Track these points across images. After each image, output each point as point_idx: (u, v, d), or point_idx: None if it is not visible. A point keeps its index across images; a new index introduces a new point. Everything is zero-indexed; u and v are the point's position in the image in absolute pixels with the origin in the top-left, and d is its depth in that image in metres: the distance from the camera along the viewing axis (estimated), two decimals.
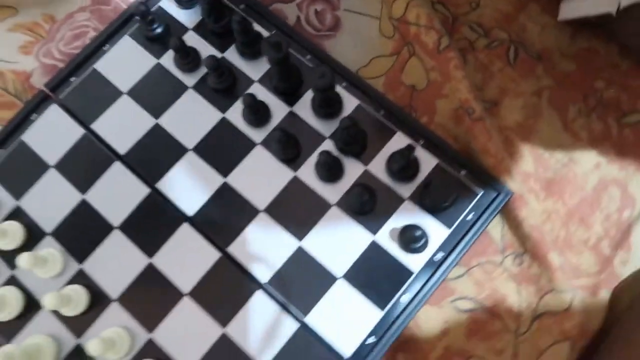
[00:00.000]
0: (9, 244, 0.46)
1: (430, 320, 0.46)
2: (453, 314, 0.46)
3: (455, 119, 0.50)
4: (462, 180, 0.46)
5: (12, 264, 0.46)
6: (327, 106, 0.48)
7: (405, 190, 0.46)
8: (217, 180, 0.48)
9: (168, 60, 0.52)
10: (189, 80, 0.51)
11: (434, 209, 0.46)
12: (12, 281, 0.46)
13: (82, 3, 0.56)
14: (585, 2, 0.48)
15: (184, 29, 0.52)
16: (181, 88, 0.51)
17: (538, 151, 0.49)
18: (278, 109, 0.49)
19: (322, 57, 0.50)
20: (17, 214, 0.48)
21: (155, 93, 0.51)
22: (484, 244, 0.47)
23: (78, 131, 0.50)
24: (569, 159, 0.49)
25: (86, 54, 0.52)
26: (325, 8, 0.55)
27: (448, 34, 0.51)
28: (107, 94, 0.51)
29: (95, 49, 0.52)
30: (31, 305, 0.45)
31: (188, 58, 0.50)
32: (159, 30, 0.52)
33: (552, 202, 0.48)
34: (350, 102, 0.49)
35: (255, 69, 0.51)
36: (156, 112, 0.50)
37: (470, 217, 0.46)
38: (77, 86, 0.52)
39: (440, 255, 0.45)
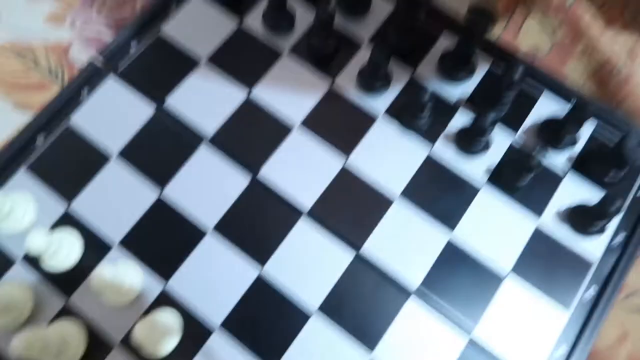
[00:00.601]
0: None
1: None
2: (629, 313, 0.39)
3: (597, 81, 0.43)
4: (621, 146, 0.39)
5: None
6: (460, 67, 0.40)
7: (561, 160, 0.39)
8: (336, 169, 0.38)
9: (254, 20, 0.42)
10: (284, 42, 0.41)
11: (601, 182, 0.38)
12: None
13: None
14: None
15: None
16: (275, 53, 0.41)
17: None
18: (398, 74, 0.41)
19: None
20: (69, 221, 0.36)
21: (243, 60, 0.41)
22: None
23: (146, 109, 0.39)
24: None
25: (148, 16, 0.42)
26: None
27: None
28: (180, 62, 0.41)
29: (160, 10, 0.42)
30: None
31: (284, 14, 0.41)
32: None
33: None
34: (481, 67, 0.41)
35: (362, 28, 0.42)
36: (247, 82, 0.40)
37: None
38: (140, 55, 0.41)
39: (621, 237, 0.37)
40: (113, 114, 0.39)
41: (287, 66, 0.41)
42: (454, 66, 0.40)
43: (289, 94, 0.40)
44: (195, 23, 0.42)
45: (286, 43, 0.41)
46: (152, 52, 0.41)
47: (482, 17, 0.36)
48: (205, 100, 0.39)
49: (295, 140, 0.39)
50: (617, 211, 0.34)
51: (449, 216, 0.37)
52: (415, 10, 0.39)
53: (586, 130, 0.40)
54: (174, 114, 0.39)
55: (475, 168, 0.38)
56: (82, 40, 0.44)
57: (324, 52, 0.41)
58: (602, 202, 0.35)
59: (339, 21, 0.42)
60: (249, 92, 0.40)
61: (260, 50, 0.41)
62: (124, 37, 0.41)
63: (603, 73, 0.43)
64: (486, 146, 0.38)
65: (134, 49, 0.41)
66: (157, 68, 0.40)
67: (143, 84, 0.40)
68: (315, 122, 0.39)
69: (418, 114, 0.38)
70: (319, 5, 0.38)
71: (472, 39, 0.37)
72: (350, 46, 0.41)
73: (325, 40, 0.40)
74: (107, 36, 0.44)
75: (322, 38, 0.40)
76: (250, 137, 0.39)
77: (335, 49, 0.41)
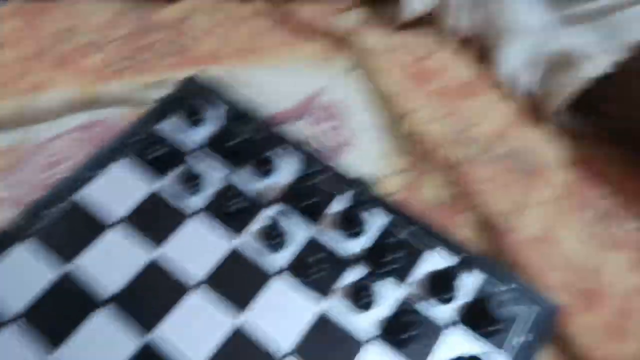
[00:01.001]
0: None
1: None
2: None
3: (485, 232, 0.48)
4: (510, 296, 0.43)
5: None
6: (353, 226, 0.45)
7: (445, 313, 0.42)
8: (228, 325, 0.41)
9: (165, 184, 0.47)
10: (194, 204, 0.46)
11: (486, 333, 0.41)
12: None
13: (58, 129, 0.51)
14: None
15: (188, 150, 0.48)
16: (182, 214, 0.45)
17: (568, 261, 0.48)
18: (297, 231, 0.45)
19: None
20: None
21: (153, 222, 0.45)
22: None
23: (51, 273, 0.42)
24: (599, 266, 0.48)
25: (67, 182, 0.46)
26: (333, 126, 0.54)
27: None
28: (92, 226, 0.44)
29: (79, 177, 0.47)
30: None
31: (195, 180, 0.46)
32: (160, 152, 0.47)
33: (592, 317, 0.45)
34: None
35: (265, 189, 0.47)
36: (154, 243, 0.44)
37: (523, 339, 0.41)
38: (54, 220, 0.44)
39: None
40: (16, 276, 0.41)
41: (194, 226, 0.45)
42: (348, 223, 0.44)
43: (193, 253, 0.43)
44: (111, 187, 0.46)
45: (198, 203, 0.46)
46: (64, 216, 0.44)
47: (364, 185, 0.40)
48: (110, 262, 0.43)
49: (193, 299, 0.41)
50: None
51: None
52: (314, 173, 0.44)
53: (473, 284, 0.43)
54: (79, 277, 0.42)
55: (364, 323, 0.41)
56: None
57: (230, 212, 0.45)
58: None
59: (246, 180, 0.46)
60: (154, 253, 0.43)
61: (171, 212, 0.45)
62: (36, 204, 0.45)
63: (489, 226, 0.47)
64: (375, 301, 0.41)
65: (46, 214, 0.44)
66: (66, 231, 0.44)
67: (51, 247, 0.43)
68: (216, 280, 0.42)
69: (314, 271, 0.42)
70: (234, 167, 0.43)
71: (362, 201, 0.42)
72: (253, 205, 0.46)
73: (232, 200, 0.45)
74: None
75: (229, 198, 0.45)
76: (150, 298, 0.41)
77: (241, 208, 0.45)
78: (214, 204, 0.46)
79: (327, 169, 0.48)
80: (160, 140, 0.48)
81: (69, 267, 0.42)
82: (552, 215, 0.50)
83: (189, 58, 0.57)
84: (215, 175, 0.47)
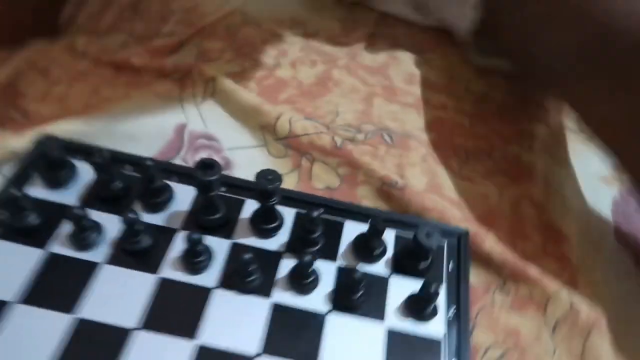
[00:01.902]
0: None
1: None
2: None
3: (384, 196, 0.51)
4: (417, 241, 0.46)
5: None
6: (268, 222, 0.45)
7: (380, 268, 0.44)
8: (188, 349, 0.37)
9: (58, 244, 0.41)
10: (96, 255, 0.41)
11: (417, 273, 0.44)
12: None
13: None
14: None
15: (65, 208, 0.44)
16: (90, 267, 0.41)
17: (456, 200, 0.54)
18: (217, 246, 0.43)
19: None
20: None
21: (58, 287, 0.39)
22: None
23: None
24: (481, 195, 0.55)
25: None
26: (210, 154, 0.54)
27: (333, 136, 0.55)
28: None
29: None
30: None
31: (87, 232, 0.41)
32: (31, 218, 0.42)
33: (494, 232, 0.51)
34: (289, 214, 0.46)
35: (168, 220, 0.45)
36: (68, 307, 0.38)
37: (451, 266, 0.45)
38: None
39: (452, 311, 0.42)
40: None
41: (108, 276, 0.40)
42: (264, 223, 0.44)
43: (118, 301, 0.39)
44: None
45: (100, 255, 0.41)
46: None
47: (271, 177, 0.41)
48: (23, 345, 0.36)
49: (138, 344, 0.37)
50: (437, 292, 0.39)
51: (310, 353, 0.38)
52: (211, 192, 0.43)
53: (389, 238, 0.46)
54: None
55: (314, 301, 0.41)
56: None
57: (139, 251, 0.42)
58: (423, 290, 0.40)
59: (146, 217, 0.44)
60: (74, 317, 0.38)
61: (74, 270, 0.40)
62: None
63: (385, 189, 0.51)
64: (316, 280, 0.42)
65: None
66: None
67: None
68: (154, 319, 0.38)
69: (247, 275, 0.40)
70: (123, 213, 0.40)
71: (270, 197, 0.42)
72: (163, 236, 0.43)
73: (138, 239, 0.41)
74: None
75: (134, 239, 0.41)
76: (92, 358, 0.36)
77: (151, 244, 0.42)
78: (119, 249, 0.42)
79: (223, 184, 0.47)
80: (29, 206, 0.42)
81: None
82: (428, 170, 0.56)
83: (33, 120, 0.52)
84: (107, 221, 0.43)
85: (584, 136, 0.64)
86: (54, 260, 0.41)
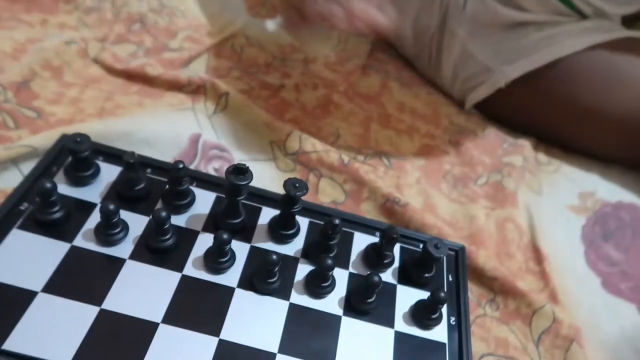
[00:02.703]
0: None
1: None
2: None
3: (386, 213, 0.55)
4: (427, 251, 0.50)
5: None
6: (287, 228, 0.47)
7: (388, 277, 0.48)
8: (212, 344, 0.39)
9: (84, 240, 0.42)
10: (122, 251, 0.43)
11: (419, 284, 0.48)
12: None
13: None
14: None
15: (90, 205, 0.45)
16: (116, 263, 0.42)
17: (449, 219, 0.58)
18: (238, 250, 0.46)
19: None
20: None
21: (83, 279, 0.40)
22: None
23: None
24: (470, 217, 0.59)
25: None
26: (222, 164, 0.56)
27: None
28: (11, 300, 0.38)
29: None
30: None
31: (117, 228, 0.43)
32: (60, 213, 0.43)
33: (484, 250, 0.56)
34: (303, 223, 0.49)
35: (189, 222, 0.46)
36: (95, 298, 0.39)
37: (450, 278, 0.49)
38: None
39: (453, 319, 0.46)
40: None
41: (133, 271, 0.42)
42: (282, 229, 0.47)
43: (144, 295, 0.40)
44: (21, 257, 0.40)
45: (125, 251, 0.43)
46: None
47: (298, 185, 0.44)
48: (52, 332, 0.37)
49: (163, 338, 0.38)
50: (445, 298, 0.43)
51: (327, 352, 0.41)
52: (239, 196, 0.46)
53: (396, 250, 0.50)
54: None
55: (330, 304, 0.44)
56: None
57: (165, 249, 0.43)
58: (432, 297, 0.43)
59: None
60: (100, 308, 0.39)
61: (100, 265, 0.41)
62: None
63: (387, 206, 0.55)
64: (333, 284, 0.45)
65: None
66: None
67: None
68: (178, 315, 0.40)
69: (271, 276, 0.43)
70: (147, 212, 0.42)
71: (293, 205, 0.45)
72: (186, 237, 0.45)
73: (164, 238, 0.43)
74: None
75: (162, 237, 0.43)
76: (117, 350, 0.37)
77: (175, 243, 0.44)
78: (144, 246, 0.43)
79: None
80: (56, 201, 0.43)
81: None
82: (423, 191, 0.61)
83: (48, 120, 0.53)
84: (130, 220, 0.45)
85: (554, 168, 0.71)
86: (80, 254, 0.41)
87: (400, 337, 0.44)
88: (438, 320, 0.45)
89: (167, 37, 0.70)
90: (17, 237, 0.41)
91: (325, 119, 0.66)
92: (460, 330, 0.45)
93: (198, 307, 0.41)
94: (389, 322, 0.44)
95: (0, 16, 0.63)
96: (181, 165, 0.44)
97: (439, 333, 0.45)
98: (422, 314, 0.45)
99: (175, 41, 0.70)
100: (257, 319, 0.42)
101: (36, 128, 0.52)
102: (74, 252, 0.42)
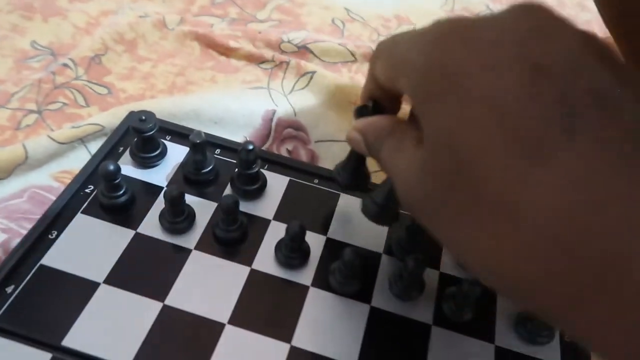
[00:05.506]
0: None
1: None
2: None
3: None
4: None
5: None
6: None
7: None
8: (283, 351, 0.34)
9: (149, 227, 0.39)
10: (187, 241, 0.39)
11: None
12: None
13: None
14: None
15: (156, 188, 0.42)
16: (181, 253, 0.38)
17: None
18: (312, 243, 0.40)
19: None
20: None
21: (146, 271, 0.37)
22: None
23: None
24: None
25: (25, 249, 0.36)
26: (297, 145, 0.51)
27: None
28: (72, 292, 0.35)
29: (38, 240, 0.37)
30: None
31: (182, 215, 0.39)
32: (125, 197, 0.40)
33: None
34: None
35: (260, 209, 0.42)
36: (158, 292, 0.36)
37: None
38: (18, 295, 0.34)
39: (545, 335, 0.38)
40: None
41: (199, 263, 0.38)
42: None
43: (210, 291, 0.36)
44: (84, 245, 0.37)
45: (191, 241, 0.39)
46: (36, 290, 0.35)
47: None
48: (112, 329, 0.34)
49: (229, 340, 0.34)
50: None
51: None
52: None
53: None
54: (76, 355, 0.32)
55: (417, 310, 0.38)
56: None
57: (233, 240, 0.39)
58: None
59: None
60: (163, 304, 0.35)
61: (164, 255, 0.38)
62: None
63: None
64: (422, 287, 0.38)
65: (10, 291, 0.34)
66: (44, 306, 0.34)
67: (29, 330, 0.33)
68: (246, 315, 0.36)
69: (347, 275, 0.37)
70: (215, 198, 0.38)
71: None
72: (255, 226, 0.40)
73: (232, 228, 0.39)
74: None
75: (228, 226, 0.39)
76: (180, 351, 0.33)
77: (243, 234, 0.39)
78: (212, 236, 0.39)
79: (318, 176, 0.45)
80: (120, 184, 0.40)
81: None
82: None
83: (118, 97, 0.51)
84: (197, 205, 0.41)
85: None
86: (144, 242, 0.38)
87: (502, 353, 0.37)
88: (550, 336, 0.37)
89: (255, 8, 0.65)
90: (81, 222, 0.39)
91: None
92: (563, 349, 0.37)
93: (268, 308, 0.37)
94: (489, 338, 0.37)
95: None
96: (251, 147, 0.39)
97: (549, 352, 0.37)
98: (529, 329, 0.37)
99: (263, 12, 0.65)
100: (334, 322, 0.36)
101: (106, 105, 0.50)
102: (138, 240, 0.38)
